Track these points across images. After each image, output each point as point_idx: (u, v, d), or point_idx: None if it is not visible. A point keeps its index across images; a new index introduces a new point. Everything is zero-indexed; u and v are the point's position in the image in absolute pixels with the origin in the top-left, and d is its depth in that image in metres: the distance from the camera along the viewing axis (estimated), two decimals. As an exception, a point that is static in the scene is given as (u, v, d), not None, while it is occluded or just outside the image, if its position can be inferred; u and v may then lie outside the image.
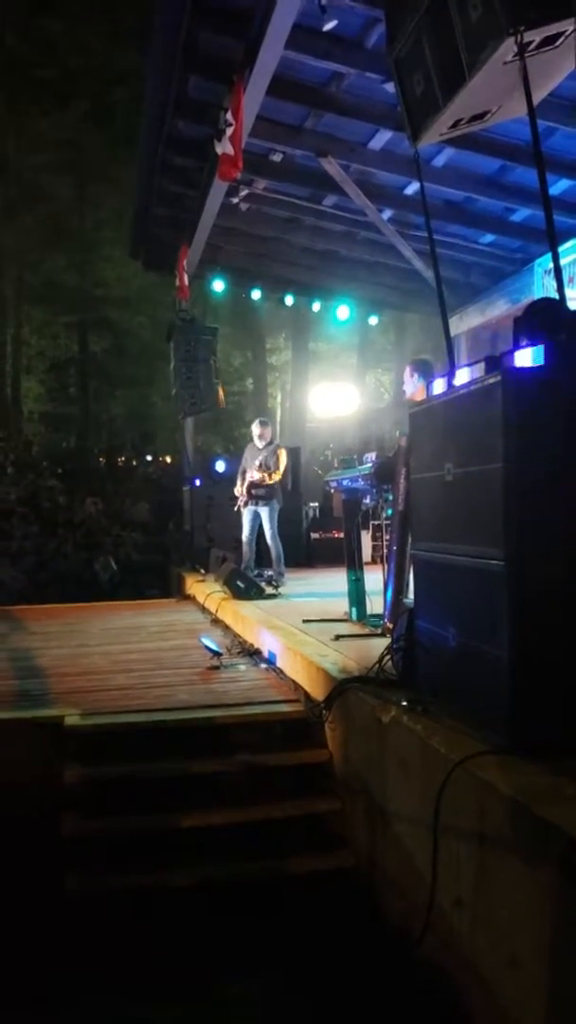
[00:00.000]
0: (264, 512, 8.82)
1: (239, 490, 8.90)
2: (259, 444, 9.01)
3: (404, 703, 3.53)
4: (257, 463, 8.77)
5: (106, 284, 25.29)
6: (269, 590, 8.08)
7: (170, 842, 3.98)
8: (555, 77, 3.44)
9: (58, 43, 23.09)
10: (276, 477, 8.78)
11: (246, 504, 8.88)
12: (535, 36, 3.05)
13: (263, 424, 9.25)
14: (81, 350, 28.07)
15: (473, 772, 2.77)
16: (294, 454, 12.17)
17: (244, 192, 9.67)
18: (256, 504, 8.83)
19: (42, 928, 3.56)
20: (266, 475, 8.72)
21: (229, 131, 6.91)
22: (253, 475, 8.76)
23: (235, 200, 9.75)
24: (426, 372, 5.89)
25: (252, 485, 8.75)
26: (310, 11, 5.94)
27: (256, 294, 12.36)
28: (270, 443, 9.03)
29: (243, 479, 8.90)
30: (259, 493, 8.79)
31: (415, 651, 3.82)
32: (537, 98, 3.38)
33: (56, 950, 3.42)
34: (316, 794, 4.32)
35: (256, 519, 8.90)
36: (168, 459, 22.41)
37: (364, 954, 3.39)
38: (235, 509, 9.16)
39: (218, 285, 11.80)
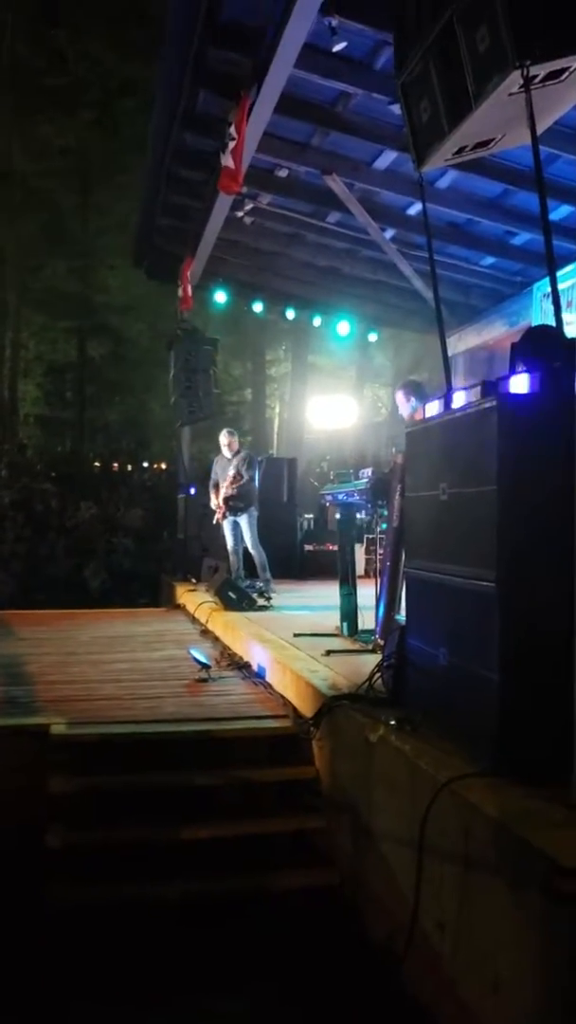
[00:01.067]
0: (243, 520, 8.94)
1: (215, 503, 8.98)
2: (227, 454, 9.12)
3: (393, 722, 3.54)
4: (229, 475, 8.83)
5: (107, 291, 25.37)
6: (261, 602, 8.09)
7: (155, 856, 3.97)
8: (559, 109, 3.49)
9: (66, 52, 23.23)
10: (235, 488, 8.88)
11: (224, 516, 8.96)
12: (541, 70, 3.10)
13: (230, 434, 9.33)
14: (80, 356, 28.12)
15: (460, 793, 2.78)
16: (290, 465, 12.23)
17: (249, 206, 9.73)
18: (235, 514, 8.91)
19: (24, 941, 3.53)
20: (232, 486, 8.83)
21: (232, 145, 6.97)
22: (226, 488, 8.84)
23: (240, 214, 9.81)
24: (420, 394, 5.95)
25: (227, 499, 8.82)
26: (320, 31, 6.01)
27: (258, 307, 12.42)
28: (238, 452, 9.12)
29: (216, 492, 8.97)
30: (235, 504, 8.88)
31: (405, 669, 3.83)
32: (541, 128, 3.43)
33: (38, 964, 3.40)
34: (302, 811, 4.31)
35: (236, 528, 9.00)
36: (163, 466, 22.41)
37: (348, 973, 3.39)
38: (214, 522, 9.26)
39: (220, 297, 11.86)
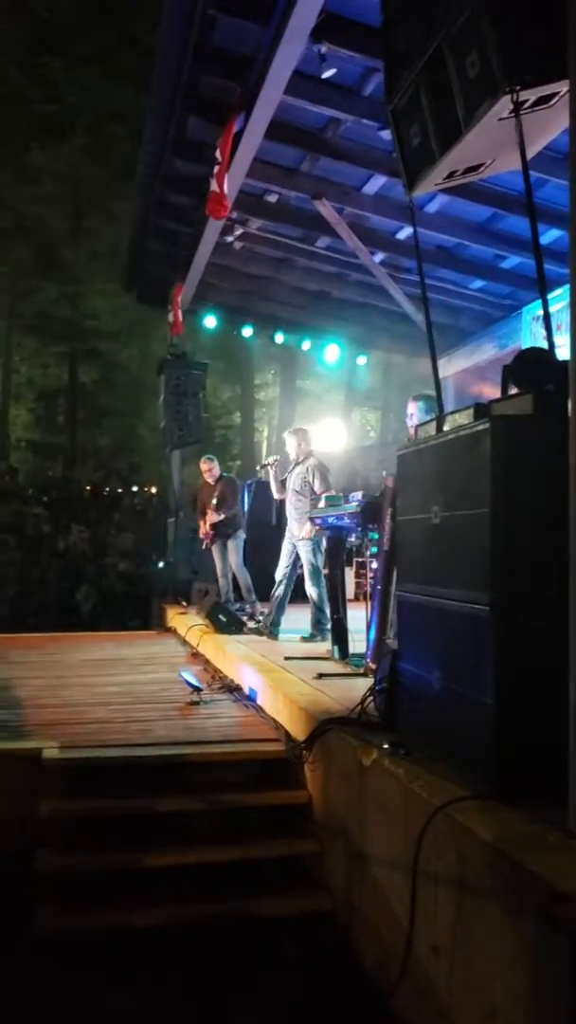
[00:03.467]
0: (231, 544, 8.98)
1: (203, 531, 9.01)
2: (210, 480, 9.17)
3: (386, 746, 3.51)
4: (214, 501, 8.86)
5: (98, 316, 25.51)
6: (251, 625, 8.06)
7: (146, 880, 3.92)
8: (549, 133, 3.52)
9: (58, 79, 23.48)
10: (223, 513, 8.88)
11: (213, 541, 9.00)
12: (531, 95, 3.12)
13: (209, 460, 9.43)
14: (71, 380, 28.18)
15: (454, 818, 2.76)
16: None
17: (238, 231, 9.80)
18: (223, 539, 8.95)
19: (13, 967, 3.48)
20: (217, 512, 8.86)
21: (215, 169, 7.01)
22: (211, 515, 8.88)
23: (229, 239, 9.88)
24: (431, 408, 5.84)
25: (214, 524, 8.86)
26: (310, 58, 6.08)
27: (247, 331, 12.47)
28: (220, 478, 9.20)
29: (203, 518, 9.00)
30: (223, 530, 8.98)
31: (398, 693, 3.81)
32: (531, 153, 3.46)
33: (28, 990, 3.35)
34: (294, 835, 4.27)
35: (225, 552, 9.03)
36: (154, 490, 22.41)
37: (339, 1000, 3.34)
38: (203, 547, 9.32)
39: (210, 321, 11.91)
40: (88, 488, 23.01)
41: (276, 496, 7.96)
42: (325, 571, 6.94)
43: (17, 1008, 3.25)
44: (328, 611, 6.93)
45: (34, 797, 4.09)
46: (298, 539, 7.23)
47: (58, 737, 4.65)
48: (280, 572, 7.49)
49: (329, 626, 7.02)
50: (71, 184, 24.54)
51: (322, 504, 6.74)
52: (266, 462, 8.18)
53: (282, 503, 7.86)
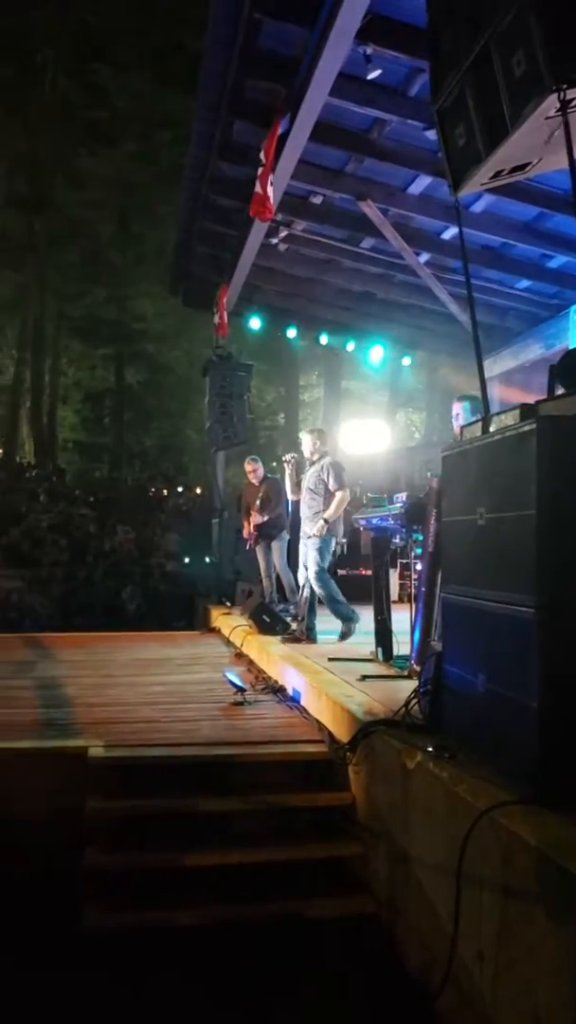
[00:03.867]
0: (275, 545, 9.01)
1: (246, 532, 9.03)
2: (254, 481, 9.20)
3: (430, 749, 3.50)
4: (258, 502, 8.88)
5: (144, 319, 25.77)
6: (295, 626, 8.06)
7: (189, 879, 3.95)
8: (596, 131, 3.47)
9: (108, 87, 23.78)
10: (267, 514, 8.91)
11: (257, 542, 9.02)
12: (577, 93, 3.09)
13: (254, 461, 9.46)
14: (117, 382, 28.51)
15: (499, 822, 2.74)
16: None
17: (283, 233, 9.83)
18: (269, 540, 8.98)
19: (60, 964, 3.53)
20: (261, 513, 8.90)
21: (259, 171, 7.03)
22: (256, 516, 8.92)
23: (274, 241, 9.91)
24: (477, 408, 5.80)
25: (258, 526, 8.88)
26: (355, 60, 6.08)
27: (292, 333, 12.50)
28: (264, 479, 9.23)
29: (248, 519, 9.04)
30: (267, 531, 9.03)
31: (442, 695, 3.79)
32: (578, 151, 3.42)
33: (73, 987, 3.39)
34: (338, 837, 4.27)
35: (269, 553, 9.05)
36: (198, 491, 22.55)
37: (383, 1003, 3.33)
38: (247, 548, 9.38)
39: (255, 323, 11.96)
40: (134, 489, 23.27)
41: (291, 496, 7.97)
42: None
43: (62, 1005, 3.29)
44: (342, 599, 7.01)
45: (81, 795, 4.15)
46: (308, 536, 7.21)
47: (104, 736, 4.71)
48: (302, 576, 7.46)
49: (349, 611, 7.11)
50: (118, 189, 24.82)
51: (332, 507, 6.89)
52: (286, 458, 8.14)
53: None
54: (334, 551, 7.39)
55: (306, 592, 7.35)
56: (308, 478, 7.37)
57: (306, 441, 7.51)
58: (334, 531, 7.20)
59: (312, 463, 7.41)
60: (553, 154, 3.55)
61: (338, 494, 7.06)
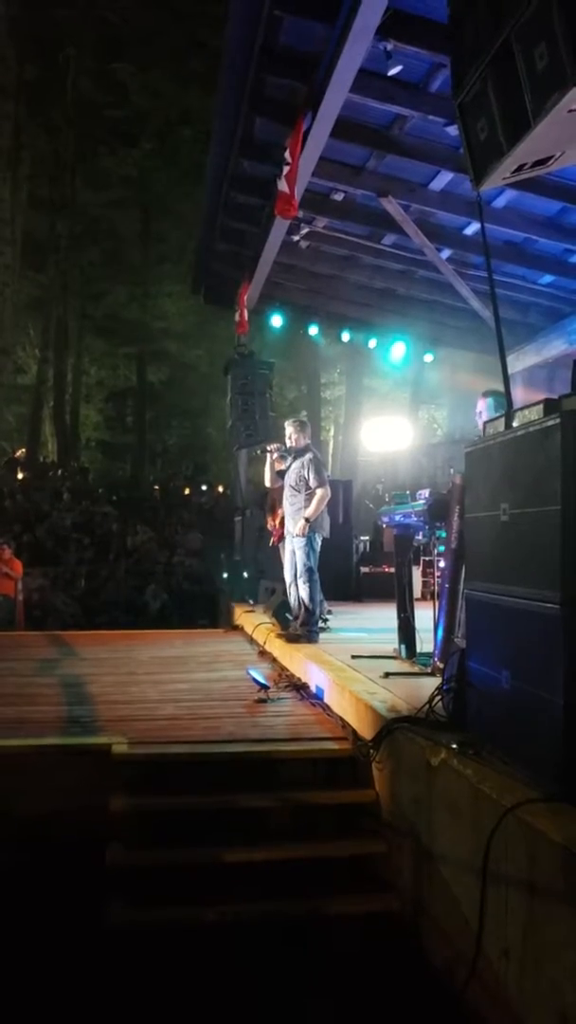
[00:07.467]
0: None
1: (271, 525, 8.91)
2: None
3: (454, 745, 3.49)
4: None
5: (166, 317, 25.87)
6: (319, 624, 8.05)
7: (213, 876, 3.96)
8: (620, 124, 3.44)
9: (128, 84, 23.87)
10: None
11: (281, 539, 8.92)
12: (601, 86, 3.06)
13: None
14: (139, 381, 28.61)
15: (525, 819, 2.72)
16: (346, 488, 12.20)
17: (304, 230, 9.81)
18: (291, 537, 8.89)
19: (83, 960, 3.55)
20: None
21: (285, 170, 7.03)
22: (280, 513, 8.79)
23: (296, 238, 9.89)
24: (500, 404, 5.75)
25: (283, 523, 8.80)
26: (375, 56, 6.06)
27: (313, 330, 12.46)
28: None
29: (272, 516, 8.92)
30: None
31: (466, 692, 3.78)
32: (602, 144, 3.39)
33: (97, 984, 3.41)
34: (361, 834, 4.27)
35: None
36: (221, 489, 22.60)
37: (409, 1000, 3.33)
38: (270, 545, 9.13)
39: (276, 320, 11.94)
40: (156, 487, 23.36)
41: (267, 484, 7.92)
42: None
43: (87, 999, 3.32)
44: (318, 611, 6.93)
45: (104, 792, 4.17)
46: (291, 535, 7.16)
47: (128, 733, 4.73)
48: (288, 574, 7.36)
49: (318, 627, 7.09)
50: (140, 188, 24.92)
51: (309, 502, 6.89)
52: (268, 448, 8.03)
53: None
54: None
55: (297, 592, 7.29)
56: (290, 473, 7.30)
57: (289, 431, 7.39)
58: (317, 527, 7.13)
59: (295, 456, 7.32)
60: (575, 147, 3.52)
61: (318, 491, 6.98)
